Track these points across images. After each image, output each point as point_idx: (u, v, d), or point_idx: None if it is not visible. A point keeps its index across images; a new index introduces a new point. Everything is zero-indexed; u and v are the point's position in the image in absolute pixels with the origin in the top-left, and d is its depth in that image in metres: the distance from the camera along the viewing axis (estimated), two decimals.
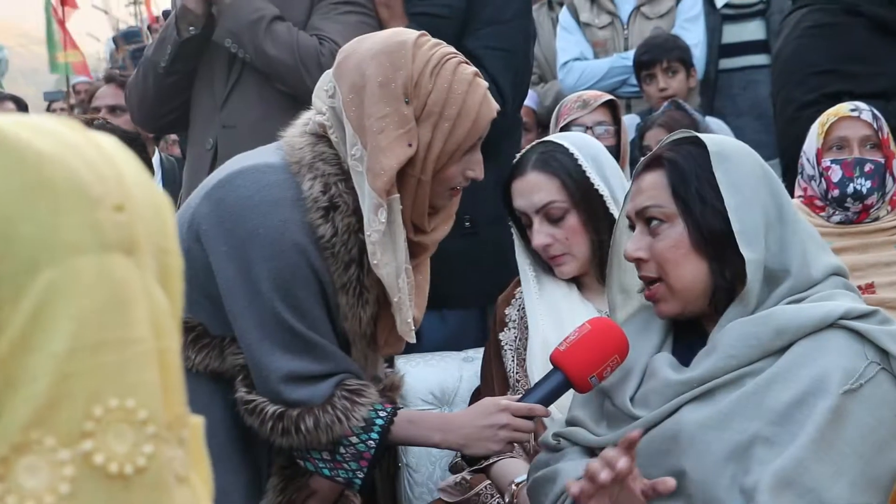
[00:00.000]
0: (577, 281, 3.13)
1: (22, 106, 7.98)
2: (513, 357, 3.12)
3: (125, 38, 10.91)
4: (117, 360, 0.92)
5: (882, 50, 4.61)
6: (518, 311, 3.14)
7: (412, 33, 2.54)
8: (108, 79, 6.27)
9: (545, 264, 3.12)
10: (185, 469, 0.98)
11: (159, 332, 0.97)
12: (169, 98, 3.91)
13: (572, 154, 3.04)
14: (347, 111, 2.47)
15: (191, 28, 3.77)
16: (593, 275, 3.08)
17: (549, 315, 3.06)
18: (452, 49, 2.56)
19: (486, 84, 2.56)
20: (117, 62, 10.25)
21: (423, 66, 2.47)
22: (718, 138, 2.47)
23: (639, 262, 2.43)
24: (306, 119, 2.59)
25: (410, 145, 2.45)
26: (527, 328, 3.10)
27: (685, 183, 2.38)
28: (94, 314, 0.92)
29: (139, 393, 0.93)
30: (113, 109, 5.72)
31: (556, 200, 3.02)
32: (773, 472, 2.17)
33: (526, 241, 3.12)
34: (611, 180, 3.05)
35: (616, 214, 2.97)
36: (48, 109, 10.14)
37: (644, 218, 2.43)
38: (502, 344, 3.14)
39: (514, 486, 2.84)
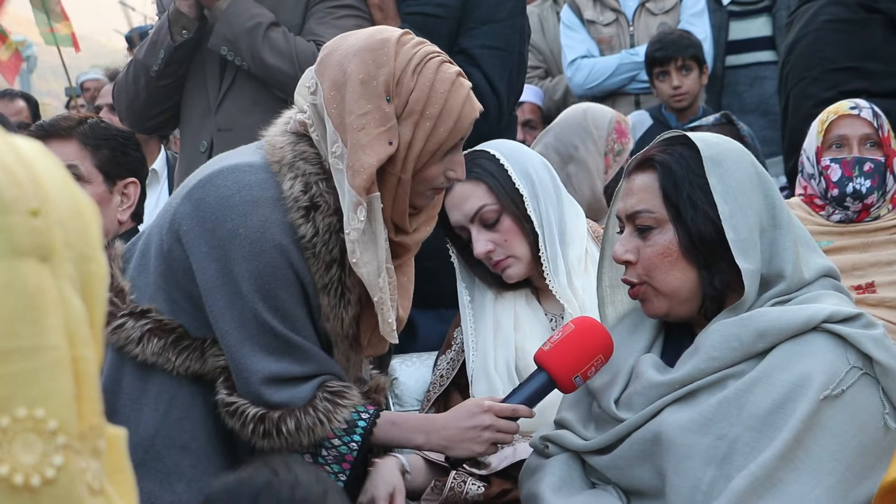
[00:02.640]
0: (528, 283, 3.10)
1: (33, 104, 7.98)
2: (435, 380, 3.14)
3: (141, 36, 10.91)
4: (27, 369, 0.91)
5: None
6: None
7: (395, 31, 2.52)
8: (113, 77, 6.25)
9: (490, 280, 3.10)
10: (100, 481, 0.96)
11: (74, 340, 0.96)
12: (160, 101, 3.90)
13: (494, 156, 3.03)
14: (329, 108, 2.45)
15: (184, 31, 3.76)
16: (540, 276, 3.04)
17: (488, 329, 3.04)
18: (436, 48, 2.54)
19: (469, 84, 2.54)
20: None
21: (405, 63, 2.45)
22: (711, 139, 2.43)
23: (626, 263, 2.41)
24: (287, 118, 2.57)
25: (391, 143, 2.43)
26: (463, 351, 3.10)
27: (677, 188, 2.35)
28: (3, 321, 0.91)
29: (50, 402, 0.91)
30: (114, 108, 5.71)
31: (487, 204, 2.99)
32: (746, 477, 2.15)
33: (466, 261, 3.10)
34: (535, 181, 3.02)
35: (534, 216, 2.99)
36: (67, 106, 10.15)
37: (634, 222, 2.40)
38: (437, 364, 3.17)
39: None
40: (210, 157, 3.60)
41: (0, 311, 0.90)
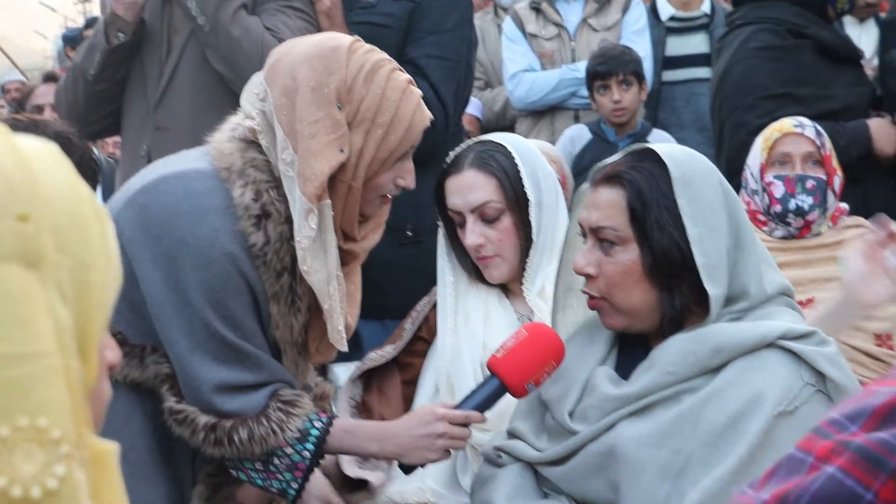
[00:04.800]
0: (502, 285, 3.09)
1: None
2: (374, 357, 3.16)
3: (71, 41, 10.77)
4: (23, 375, 0.88)
5: (829, 72, 4.65)
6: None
7: (346, 38, 2.51)
8: (48, 78, 6.17)
9: (469, 267, 3.08)
10: (85, 496, 0.93)
11: (62, 349, 0.93)
12: (99, 105, 3.86)
13: (511, 155, 3.01)
14: (279, 115, 2.42)
15: (120, 35, 3.72)
16: (517, 279, 3.04)
17: (461, 319, 3.03)
18: (386, 56, 2.53)
19: (419, 92, 2.53)
20: (66, 62, 10.11)
21: (356, 71, 2.43)
22: (679, 156, 2.37)
23: (587, 276, 2.40)
24: (234, 124, 2.53)
25: (342, 151, 2.41)
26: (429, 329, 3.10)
27: (645, 209, 2.32)
28: None
29: (52, 411, 0.89)
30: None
31: (493, 200, 2.98)
32: (700, 491, 2.16)
33: (453, 241, 3.08)
34: (542, 188, 3.02)
35: (534, 223, 2.98)
36: None
37: (597, 236, 2.39)
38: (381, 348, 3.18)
39: None
40: (150, 160, 3.55)
41: None
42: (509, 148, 3.02)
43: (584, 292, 2.42)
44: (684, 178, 2.33)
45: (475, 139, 3.16)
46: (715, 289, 2.29)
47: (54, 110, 5.72)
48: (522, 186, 2.98)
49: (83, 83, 3.81)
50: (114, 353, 1.15)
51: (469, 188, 2.99)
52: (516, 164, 2.99)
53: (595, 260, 2.38)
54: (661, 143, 5.10)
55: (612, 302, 2.37)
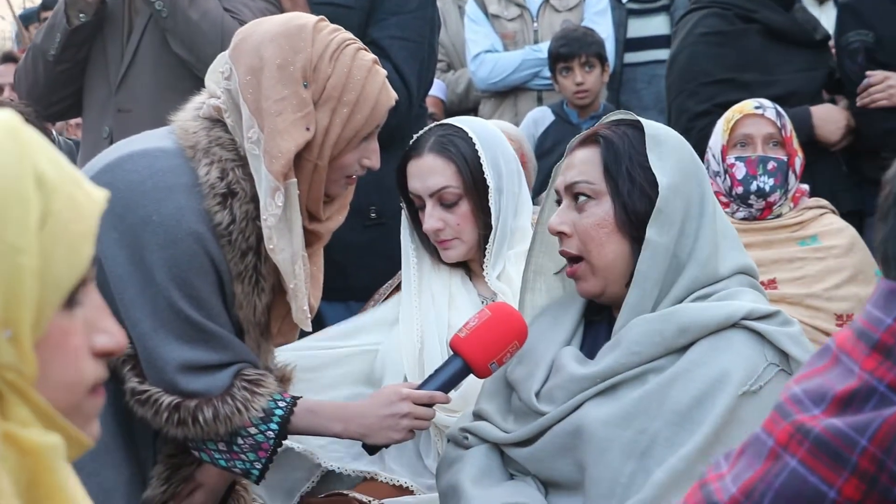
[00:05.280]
0: (465, 267, 3.09)
1: None
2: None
3: (26, 20, 10.64)
4: None
5: (776, 57, 4.64)
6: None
7: (311, 17, 2.50)
8: (7, 58, 6.11)
9: (431, 248, 3.08)
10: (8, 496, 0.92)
11: None
12: (60, 86, 3.82)
13: (471, 140, 3.01)
14: (244, 93, 2.42)
15: (81, 15, 3.68)
16: (478, 261, 3.05)
17: (426, 299, 3.05)
18: (352, 35, 2.53)
19: (384, 72, 2.53)
20: (25, 42, 9.98)
21: (322, 49, 2.43)
22: (657, 125, 2.45)
23: (561, 236, 2.42)
24: (199, 103, 2.52)
25: (308, 129, 2.41)
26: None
27: (618, 162, 2.37)
28: None
29: None
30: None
31: (451, 186, 2.99)
32: (666, 470, 2.17)
33: (416, 223, 3.08)
34: (503, 173, 3.02)
35: (493, 209, 2.99)
36: None
37: (572, 193, 2.41)
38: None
39: None
40: (112, 142, 3.52)
41: None
42: (470, 133, 3.02)
43: (562, 252, 2.43)
44: (657, 136, 2.38)
45: (438, 123, 3.16)
46: (657, 236, 2.32)
47: (13, 90, 5.67)
48: (482, 172, 2.99)
49: (43, 64, 3.77)
50: (108, 339, 1.15)
51: (428, 172, 3.00)
52: (476, 150, 3.00)
53: (569, 220, 2.40)
54: None
55: (589, 259, 2.38)
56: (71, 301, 1.12)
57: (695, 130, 4.48)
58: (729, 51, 4.65)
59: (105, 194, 1.15)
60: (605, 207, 2.38)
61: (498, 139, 3.09)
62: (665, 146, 2.38)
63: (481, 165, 2.99)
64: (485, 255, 3.02)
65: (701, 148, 4.32)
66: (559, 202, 2.46)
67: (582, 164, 2.41)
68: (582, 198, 2.40)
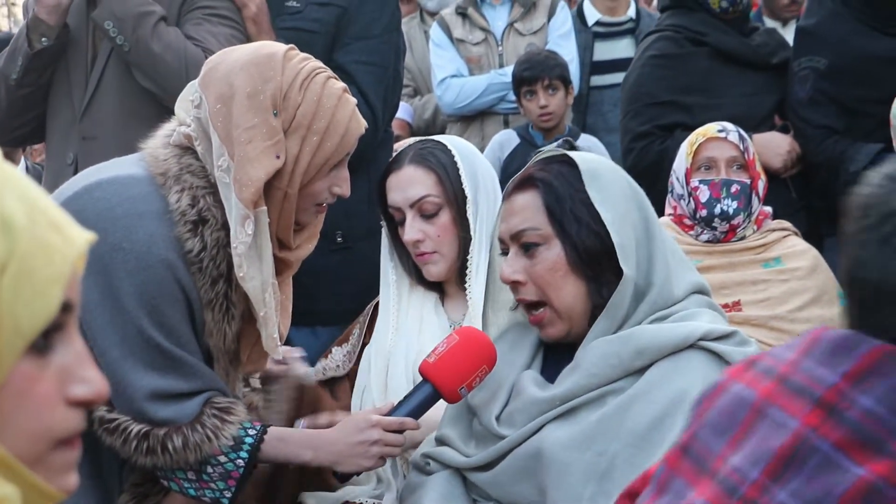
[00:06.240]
0: (439, 287, 3.11)
1: None
2: (326, 367, 3.16)
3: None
4: None
5: (722, 79, 4.64)
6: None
7: (281, 46, 2.52)
8: None
9: (410, 268, 3.09)
10: None
11: None
12: (21, 111, 3.80)
13: (450, 152, 3.04)
14: (214, 122, 2.43)
15: (43, 39, 3.67)
16: (454, 281, 3.06)
17: (404, 321, 3.06)
18: (321, 64, 2.54)
19: (354, 101, 2.55)
20: None
21: (292, 78, 2.44)
22: (588, 156, 2.48)
23: (515, 284, 2.42)
24: (169, 130, 2.53)
25: (278, 157, 2.42)
26: (373, 332, 3.11)
27: (560, 203, 2.39)
28: None
29: None
30: None
31: (432, 195, 3.00)
32: (624, 493, 2.18)
33: (396, 242, 3.09)
34: (480, 186, 3.04)
35: (472, 220, 3.01)
36: None
37: (519, 242, 2.43)
38: (330, 354, 3.19)
39: None
40: (76, 169, 3.51)
41: None
42: (449, 146, 3.06)
43: (520, 300, 2.45)
44: (591, 171, 2.40)
45: (416, 139, 3.18)
46: (630, 269, 2.34)
47: None
48: (460, 183, 3.00)
49: (5, 88, 3.76)
50: (87, 389, 1.11)
51: (408, 183, 3.02)
52: (455, 161, 3.02)
53: (521, 267, 2.42)
54: (590, 147, 5.16)
55: (551, 305, 2.40)
56: (39, 347, 1.08)
57: (635, 151, 4.54)
58: (675, 73, 4.66)
59: (89, 237, 1.12)
60: (556, 251, 2.39)
61: (476, 154, 3.13)
62: (602, 179, 2.39)
63: (459, 176, 3.01)
64: (464, 269, 3.02)
65: (639, 168, 4.37)
66: (505, 252, 2.47)
67: (523, 210, 2.42)
68: (530, 244, 2.41)
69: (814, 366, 1.48)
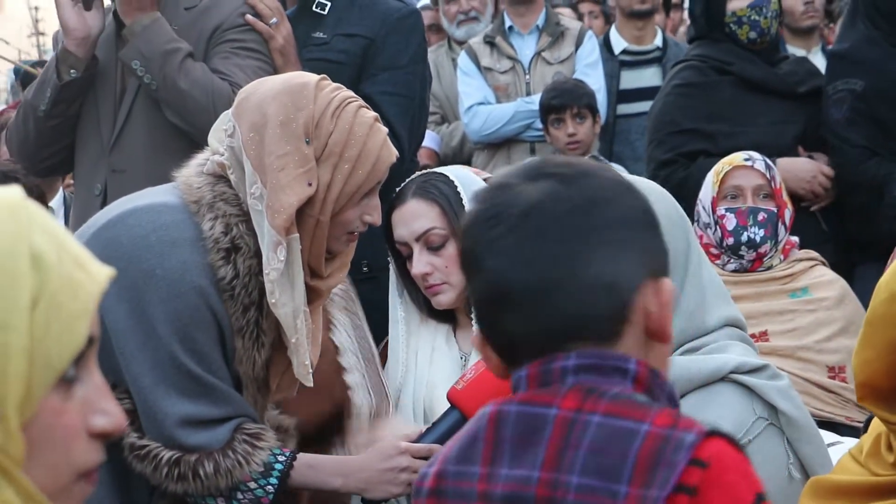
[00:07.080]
0: (452, 318, 3.12)
1: None
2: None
3: (23, 78, 10.61)
4: None
5: (746, 108, 4.66)
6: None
7: (313, 76, 2.55)
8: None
9: (420, 302, 3.11)
10: None
11: None
12: (50, 142, 3.81)
13: (452, 182, 3.03)
14: (247, 150, 2.45)
15: (72, 71, 3.68)
16: (464, 310, 3.06)
17: (413, 356, 3.06)
18: (353, 93, 2.57)
19: (385, 129, 2.57)
20: (18, 94, 9.97)
21: (324, 107, 2.47)
22: (640, 178, 2.46)
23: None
24: (202, 160, 2.55)
25: (310, 185, 2.44)
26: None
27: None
28: None
29: None
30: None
31: (436, 227, 2.99)
32: None
33: (404, 277, 3.11)
34: None
35: None
36: None
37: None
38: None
39: None
40: (105, 200, 3.54)
41: None
42: (450, 176, 3.06)
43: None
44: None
45: (417, 173, 3.19)
46: None
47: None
48: (465, 212, 3.01)
49: (34, 119, 3.77)
50: (106, 420, 1.13)
51: (412, 217, 3.01)
52: (458, 191, 3.02)
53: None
54: None
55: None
56: (66, 380, 1.10)
57: (659, 179, 4.49)
58: (699, 101, 4.69)
59: (109, 273, 1.14)
60: None
61: (476, 181, 3.12)
62: (650, 198, 2.40)
63: (463, 206, 3.02)
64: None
65: None
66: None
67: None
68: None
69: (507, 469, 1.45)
